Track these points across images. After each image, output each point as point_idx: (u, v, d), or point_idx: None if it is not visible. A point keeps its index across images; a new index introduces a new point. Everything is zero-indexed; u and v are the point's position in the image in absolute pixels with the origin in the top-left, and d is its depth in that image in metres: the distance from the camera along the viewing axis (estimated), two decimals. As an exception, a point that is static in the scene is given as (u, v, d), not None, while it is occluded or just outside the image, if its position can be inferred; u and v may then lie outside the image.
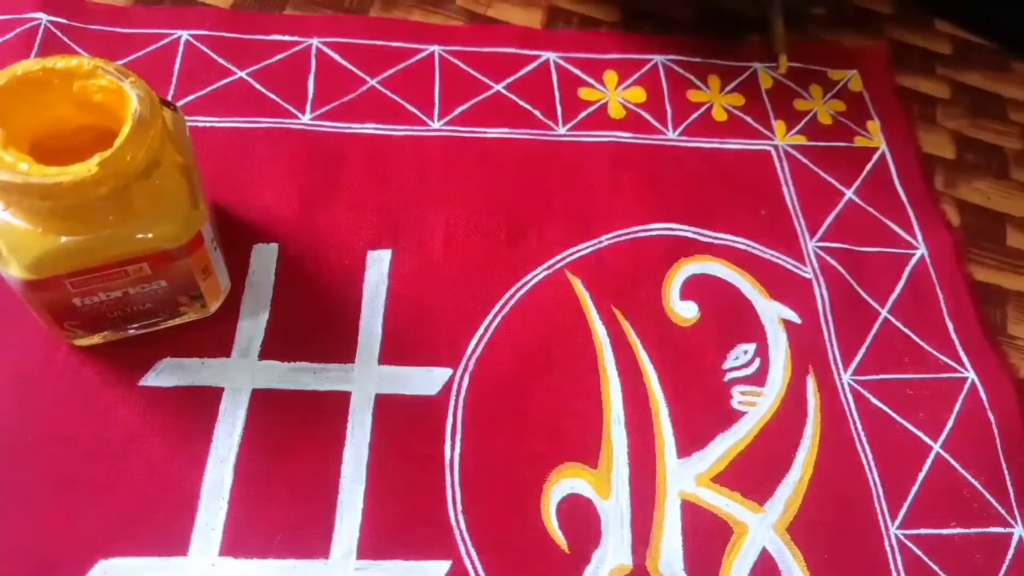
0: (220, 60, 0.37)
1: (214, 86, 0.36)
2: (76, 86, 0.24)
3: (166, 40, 0.37)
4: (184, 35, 0.37)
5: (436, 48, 0.39)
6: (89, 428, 0.28)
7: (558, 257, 0.34)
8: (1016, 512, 0.31)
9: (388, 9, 0.41)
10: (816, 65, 0.42)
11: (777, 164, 0.39)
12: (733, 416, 0.31)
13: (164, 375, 0.29)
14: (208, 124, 0.35)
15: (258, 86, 0.36)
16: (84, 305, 0.26)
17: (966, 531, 0.30)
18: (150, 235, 0.25)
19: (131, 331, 0.29)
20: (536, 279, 0.33)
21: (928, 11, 0.46)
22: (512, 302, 0.33)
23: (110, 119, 0.25)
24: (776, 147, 0.39)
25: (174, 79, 0.36)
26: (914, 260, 0.37)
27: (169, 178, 0.25)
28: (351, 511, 0.28)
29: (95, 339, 0.29)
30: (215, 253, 0.28)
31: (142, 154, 0.23)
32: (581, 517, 0.29)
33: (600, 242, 0.35)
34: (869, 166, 0.39)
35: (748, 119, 0.40)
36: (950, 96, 0.44)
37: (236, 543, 0.27)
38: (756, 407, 0.32)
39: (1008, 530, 0.31)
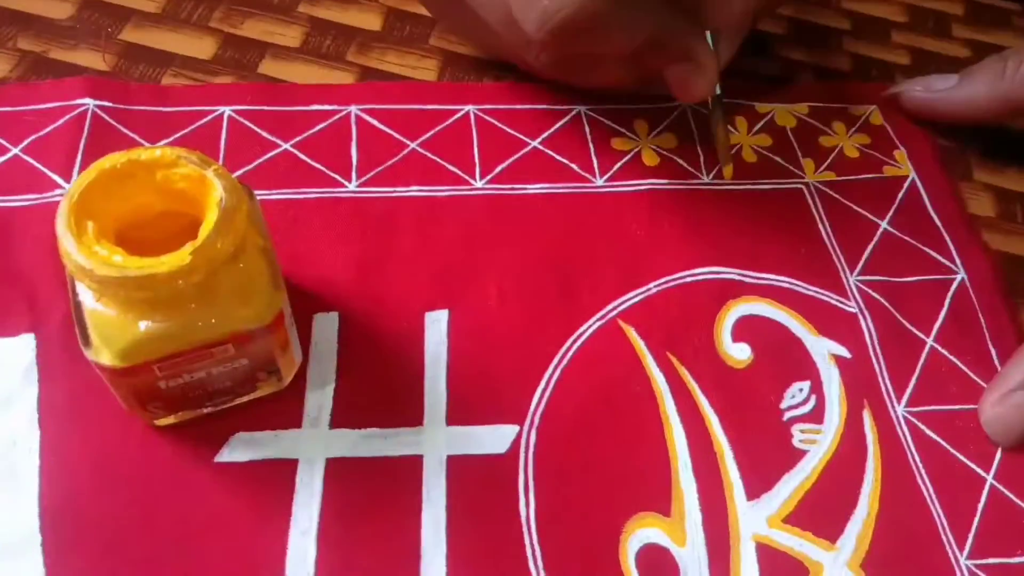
0: (263, 133, 0.38)
1: (260, 159, 0.37)
2: (159, 175, 0.25)
3: (209, 117, 0.38)
4: (226, 111, 0.38)
5: (471, 108, 0.40)
6: (169, 509, 0.28)
7: (609, 307, 0.35)
8: (1078, 536, 0.32)
9: (364, 52, 0.42)
10: (835, 103, 0.44)
11: (810, 201, 0.40)
12: (796, 455, 0.32)
13: (238, 450, 0.30)
14: (260, 197, 0.36)
15: (303, 156, 0.37)
16: (168, 387, 0.27)
17: (1032, 557, 0.31)
18: (235, 318, 0.26)
19: (206, 409, 0.30)
20: (590, 330, 0.34)
21: None
22: (570, 354, 0.33)
23: (191, 206, 0.26)
24: (807, 184, 0.40)
25: (221, 155, 0.37)
26: (955, 285, 0.38)
27: (251, 261, 0.26)
28: (435, 574, 0.28)
29: (171, 419, 0.29)
30: (292, 329, 0.29)
31: (230, 240, 0.24)
32: (660, 566, 0.29)
33: (649, 289, 0.35)
34: (901, 194, 0.41)
35: (777, 159, 0.41)
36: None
37: (326, 615, 0.27)
38: (817, 444, 0.32)
39: (1072, 553, 0.31)
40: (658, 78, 0.36)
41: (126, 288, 0.23)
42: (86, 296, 0.25)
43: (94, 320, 0.25)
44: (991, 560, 0.31)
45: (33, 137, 0.36)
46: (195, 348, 0.26)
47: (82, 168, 0.35)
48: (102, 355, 0.25)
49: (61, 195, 0.34)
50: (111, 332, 0.25)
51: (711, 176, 0.40)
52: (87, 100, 0.37)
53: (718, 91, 0.37)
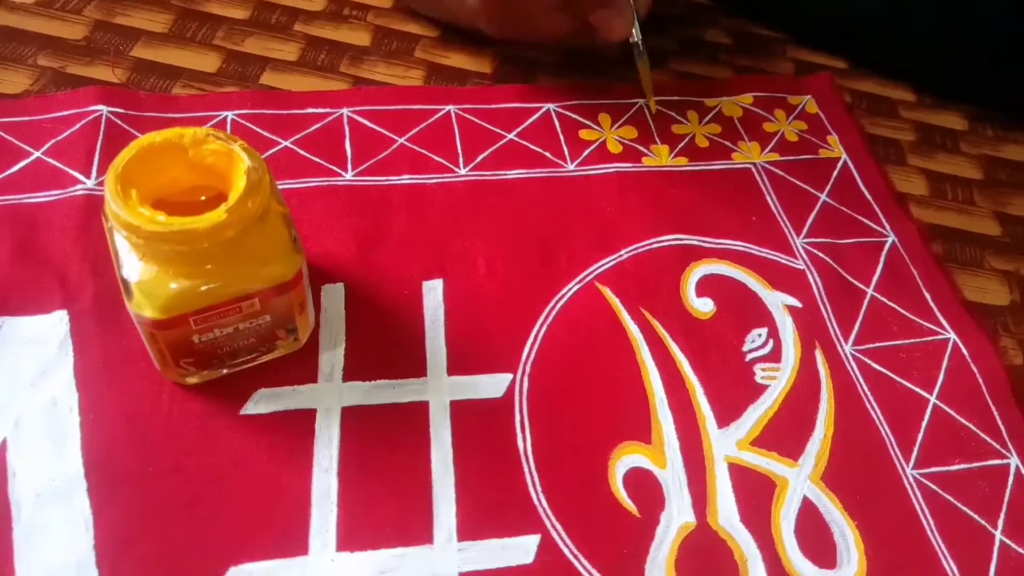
0: (264, 133, 0.42)
1: (264, 155, 0.41)
2: (191, 152, 0.29)
3: (214, 121, 0.42)
4: (229, 115, 0.42)
5: (452, 108, 0.45)
6: (201, 456, 0.31)
7: (587, 272, 0.39)
8: (1009, 445, 0.36)
9: (356, 64, 0.47)
10: (777, 93, 0.49)
11: (758, 178, 0.45)
12: (759, 389, 0.36)
13: (261, 404, 0.33)
14: (266, 187, 0.39)
15: (303, 152, 0.41)
16: (200, 342, 0.30)
17: (969, 466, 0.35)
18: (261, 275, 0.29)
19: (225, 371, 0.33)
20: (571, 292, 0.38)
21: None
22: (554, 313, 0.37)
23: (219, 180, 0.29)
24: (755, 164, 0.45)
25: (228, 153, 0.40)
26: (887, 247, 0.42)
27: (274, 225, 0.29)
28: (446, 502, 0.31)
29: (198, 378, 0.32)
30: (308, 291, 0.32)
31: (259, 202, 0.28)
32: (645, 486, 0.33)
33: (620, 255, 0.40)
34: (835, 173, 0.46)
35: (727, 143, 0.46)
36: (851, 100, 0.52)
37: (350, 539, 0.30)
38: (776, 380, 0.36)
39: (1004, 461, 0.35)
40: (589, 27, 0.42)
41: (170, 242, 0.27)
42: (129, 257, 0.28)
43: (139, 279, 0.28)
44: (933, 469, 0.35)
45: (53, 141, 0.39)
46: (226, 302, 0.29)
47: (100, 166, 0.38)
48: (144, 308, 0.28)
49: (83, 190, 0.37)
50: (152, 288, 0.28)
51: (672, 157, 0.44)
52: (101, 107, 0.40)
53: (639, 36, 0.44)
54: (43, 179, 0.38)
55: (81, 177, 0.38)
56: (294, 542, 0.30)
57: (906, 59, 0.52)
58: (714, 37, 0.54)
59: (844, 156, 0.47)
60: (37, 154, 0.39)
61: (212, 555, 0.29)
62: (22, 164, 0.38)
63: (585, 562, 0.30)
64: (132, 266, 0.28)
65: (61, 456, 0.30)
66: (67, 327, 0.33)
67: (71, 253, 0.35)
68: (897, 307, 0.40)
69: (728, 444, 0.34)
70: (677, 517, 0.32)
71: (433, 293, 0.37)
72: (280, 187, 0.39)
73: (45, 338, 0.33)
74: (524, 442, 0.33)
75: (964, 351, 0.39)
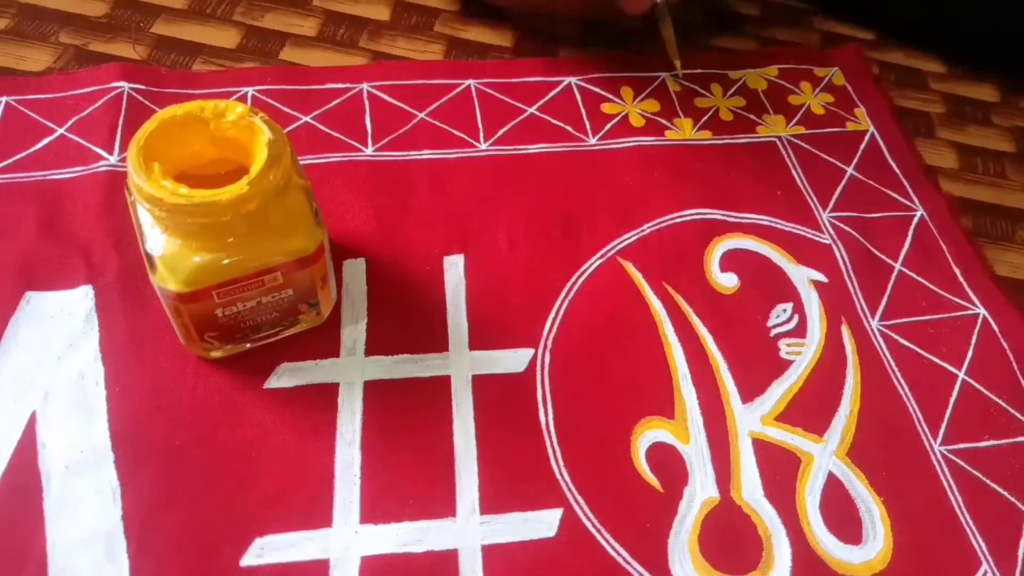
0: (285, 109, 0.42)
1: (285, 130, 0.40)
2: (212, 125, 0.29)
3: (234, 97, 0.42)
4: (250, 91, 0.42)
5: (472, 82, 0.44)
6: (227, 428, 0.31)
7: (609, 246, 0.38)
8: (1040, 422, 0.35)
9: (375, 39, 0.46)
10: (802, 65, 0.48)
11: (783, 152, 0.44)
12: (784, 364, 0.36)
13: (284, 378, 0.33)
14: (287, 163, 0.39)
15: (323, 127, 0.41)
16: (224, 316, 0.30)
17: (999, 442, 0.35)
18: (283, 248, 0.29)
19: (248, 345, 0.33)
20: (593, 267, 0.38)
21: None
22: (576, 288, 0.37)
23: (239, 153, 0.29)
24: (780, 138, 0.45)
25: (248, 128, 0.40)
26: (915, 221, 0.42)
27: (295, 198, 0.29)
28: (468, 475, 0.31)
29: (222, 352, 0.32)
30: (330, 265, 0.32)
31: (280, 174, 0.28)
32: (667, 461, 0.32)
33: (643, 230, 0.39)
34: (863, 146, 0.45)
35: (751, 116, 0.45)
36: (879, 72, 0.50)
37: (373, 511, 0.30)
38: (802, 355, 0.36)
39: (1035, 438, 0.35)
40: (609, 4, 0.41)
41: (192, 215, 0.27)
42: (152, 231, 0.28)
43: (163, 253, 0.28)
44: (961, 445, 0.34)
45: (76, 118, 0.39)
46: (248, 275, 0.29)
47: (123, 142, 0.38)
48: (168, 282, 0.28)
49: (106, 166, 0.38)
50: (175, 262, 0.28)
51: (696, 131, 0.44)
52: (122, 83, 0.41)
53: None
54: (67, 156, 0.38)
55: (104, 153, 0.38)
56: (318, 514, 0.30)
57: (936, 29, 0.51)
58: (739, 8, 0.53)
59: (872, 129, 0.46)
60: (60, 131, 0.39)
61: (238, 526, 0.29)
62: (46, 141, 0.38)
63: (608, 536, 0.30)
64: (155, 240, 0.28)
65: (89, 429, 0.30)
66: (92, 302, 0.34)
67: (95, 229, 0.36)
68: (926, 282, 0.39)
69: (752, 419, 0.34)
70: (700, 492, 0.32)
71: (454, 268, 0.37)
72: (302, 164, 0.39)
73: (71, 312, 0.33)
74: (546, 417, 0.33)
75: (994, 326, 0.38)
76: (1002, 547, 0.32)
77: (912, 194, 0.43)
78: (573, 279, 0.37)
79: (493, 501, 0.31)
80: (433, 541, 0.30)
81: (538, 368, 0.34)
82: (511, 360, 0.34)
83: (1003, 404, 0.36)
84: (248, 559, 0.28)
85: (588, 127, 0.43)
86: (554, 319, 0.36)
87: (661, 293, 0.37)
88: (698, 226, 0.40)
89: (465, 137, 0.42)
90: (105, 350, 0.32)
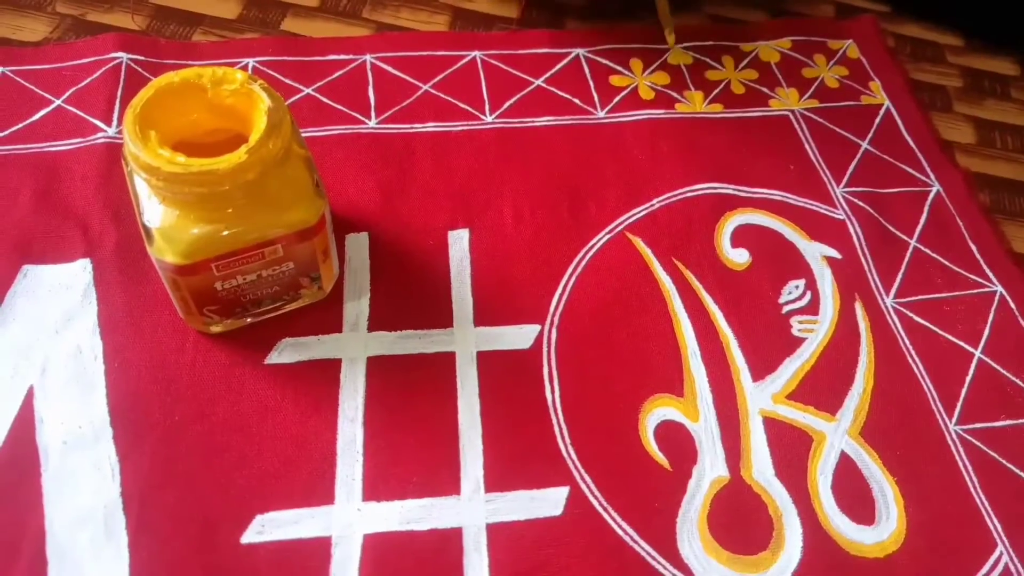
0: (287, 81, 0.41)
1: (287, 102, 0.40)
2: (210, 92, 0.28)
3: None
4: (251, 62, 0.41)
5: (477, 53, 0.43)
6: (227, 404, 0.31)
7: (617, 221, 0.38)
8: (1057, 402, 0.34)
9: (379, 10, 0.45)
10: (816, 37, 0.47)
11: (796, 126, 0.43)
12: (796, 342, 0.35)
13: (286, 353, 0.32)
14: (288, 135, 0.38)
15: (325, 99, 0.40)
16: (223, 289, 0.29)
17: (1016, 422, 0.34)
18: (283, 220, 0.28)
19: (249, 319, 0.32)
20: (601, 242, 0.37)
21: None
22: (583, 263, 0.36)
23: (238, 121, 0.28)
24: (793, 111, 0.43)
25: (249, 100, 0.39)
26: (931, 196, 0.41)
27: (296, 168, 0.29)
28: (473, 453, 0.31)
29: (222, 327, 0.32)
30: (332, 238, 0.31)
31: (280, 143, 0.27)
32: (676, 440, 0.32)
33: (652, 205, 0.38)
34: (878, 120, 0.44)
35: (764, 89, 0.44)
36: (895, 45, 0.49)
37: (376, 489, 0.29)
38: (814, 333, 0.35)
39: (1053, 418, 0.34)
40: None
41: (190, 184, 0.26)
42: (149, 202, 0.28)
43: (160, 224, 0.27)
44: (977, 425, 0.33)
45: (73, 89, 0.38)
46: (248, 247, 0.28)
47: (121, 114, 0.38)
48: (166, 254, 0.28)
49: (104, 138, 0.37)
50: (173, 233, 0.27)
51: (705, 106, 0.43)
52: (120, 54, 0.40)
53: None
54: (64, 127, 0.37)
55: (102, 125, 0.37)
56: (320, 491, 0.29)
57: (954, 1, 0.50)
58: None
59: (887, 103, 0.45)
60: (58, 102, 0.38)
61: (238, 503, 0.29)
62: (43, 112, 0.38)
63: (615, 515, 0.30)
64: (153, 211, 0.27)
65: (87, 403, 0.30)
66: (90, 275, 0.33)
67: (93, 201, 0.35)
68: (941, 259, 0.38)
69: (763, 397, 0.33)
70: (710, 471, 0.31)
71: (459, 243, 0.36)
72: (302, 135, 0.38)
73: (68, 286, 0.33)
74: (552, 394, 0.32)
75: (1011, 304, 0.37)
76: (1018, 528, 0.31)
77: (928, 169, 0.42)
78: (580, 254, 0.36)
79: (498, 479, 0.30)
80: (437, 519, 0.29)
81: (544, 344, 0.34)
82: (517, 336, 0.34)
83: (1020, 383, 0.35)
84: (249, 536, 0.28)
85: (596, 100, 0.42)
86: (561, 295, 0.35)
87: (670, 269, 0.36)
88: (709, 201, 0.39)
89: (470, 109, 0.41)
90: (103, 324, 0.32)
